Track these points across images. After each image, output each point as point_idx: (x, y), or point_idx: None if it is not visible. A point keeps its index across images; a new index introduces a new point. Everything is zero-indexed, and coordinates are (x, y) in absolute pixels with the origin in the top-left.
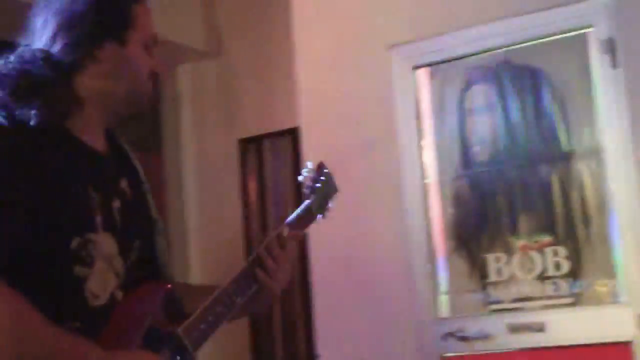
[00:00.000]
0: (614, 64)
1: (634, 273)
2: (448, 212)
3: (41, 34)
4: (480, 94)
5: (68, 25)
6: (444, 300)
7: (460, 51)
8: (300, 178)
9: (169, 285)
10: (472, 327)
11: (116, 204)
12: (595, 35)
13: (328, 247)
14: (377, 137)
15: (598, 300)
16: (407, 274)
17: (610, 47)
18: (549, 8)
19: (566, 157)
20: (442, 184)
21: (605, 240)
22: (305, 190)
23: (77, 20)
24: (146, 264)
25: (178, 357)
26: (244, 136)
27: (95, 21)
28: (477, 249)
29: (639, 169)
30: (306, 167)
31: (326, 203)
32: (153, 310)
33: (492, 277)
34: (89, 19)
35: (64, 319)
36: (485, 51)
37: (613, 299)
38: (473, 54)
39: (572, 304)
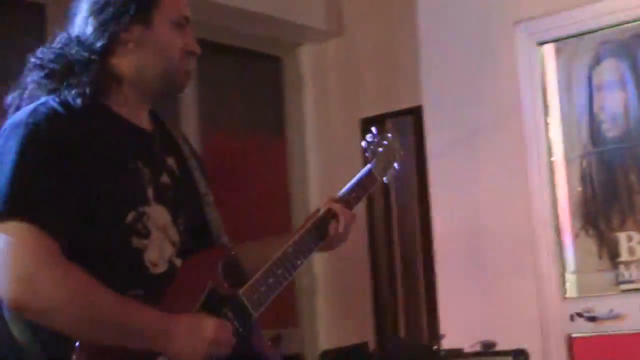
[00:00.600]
0: None
1: None
2: (576, 190)
3: (77, 21)
4: (611, 69)
5: (97, 11)
6: (571, 280)
7: (587, 26)
8: (363, 143)
9: (228, 251)
10: (601, 307)
11: (164, 178)
12: None
13: (452, 226)
14: (503, 115)
15: None
16: (532, 253)
17: None
18: None
19: None
20: (569, 161)
21: None
22: (367, 154)
23: (104, 5)
24: (201, 234)
25: (239, 319)
26: (366, 116)
27: (119, 5)
28: (607, 228)
29: None
30: (370, 133)
31: (389, 167)
32: (213, 274)
33: (624, 256)
34: (114, 3)
35: (127, 288)
36: (615, 25)
37: None
38: (602, 29)
39: None
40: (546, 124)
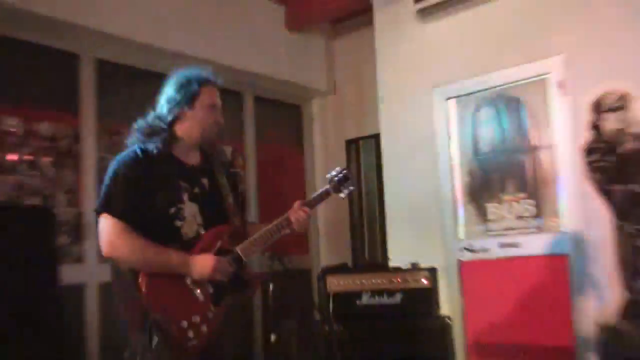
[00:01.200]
0: (563, 94)
1: (571, 217)
2: (465, 180)
3: (159, 102)
4: (485, 114)
5: (167, 100)
6: (461, 229)
7: (473, 89)
8: (327, 175)
9: (232, 226)
10: (476, 244)
11: (196, 190)
12: (553, 77)
13: (397, 195)
14: (426, 138)
15: (550, 230)
16: (441, 213)
17: (561, 85)
18: (526, 63)
19: (534, 148)
20: (461, 164)
21: (555, 197)
22: (329, 181)
23: (170, 97)
24: (221, 218)
25: (235, 262)
26: (349, 138)
27: (179, 99)
28: (481, 201)
29: (576, 157)
30: (335, 170)
31: (344, 189)
32: (222, 237)
33: (490, 217)
34: (176, 97)
35: (171, 245)
36: (488, 89)
37: (558, 229)
38: (480, 91)
39: (536, 232)
40: (449, 144)
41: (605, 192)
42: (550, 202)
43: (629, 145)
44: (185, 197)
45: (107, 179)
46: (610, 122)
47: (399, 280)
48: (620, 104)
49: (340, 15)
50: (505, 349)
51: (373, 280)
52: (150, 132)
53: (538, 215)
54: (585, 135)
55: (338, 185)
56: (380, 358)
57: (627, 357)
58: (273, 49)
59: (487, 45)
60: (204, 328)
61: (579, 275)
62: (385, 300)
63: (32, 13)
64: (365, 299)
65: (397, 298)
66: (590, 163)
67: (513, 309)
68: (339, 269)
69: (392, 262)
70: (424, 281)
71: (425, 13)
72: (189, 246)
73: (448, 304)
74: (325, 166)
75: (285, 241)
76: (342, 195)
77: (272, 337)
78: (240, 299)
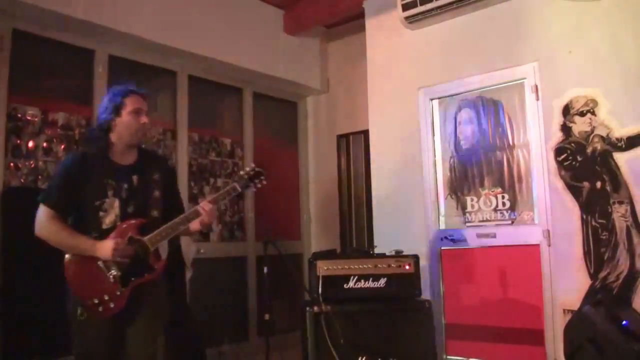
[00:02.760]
0: (537, 98)
1: (543, 210)
2: (446, 174)
3: (97, 114)
4: (466, 114)
5: (100, 112)
6: (442, 220)
7: (455, 91)
8: (241, 172)
9: (143, 220)
10: (456, 234)
11: (125, 186)
12: (528, 83)
13: (383, 187)
14: (411, 135)
15: (524, 222)
16: (423, 205)
17: (535, 89)
18: (504, 68)
19: (510, 147)
20: (443, 160)
21: (529, 192)
22: (235, 177)
23: (102, 110)
24: (140, 211)
25: (142, 250)
26: (339, 133)
27: (107, 110)
28: (461, 194)
29: (547, 156)
30: (247, 168)
31: (250, 187)
32: (133, 229)
33: (468, 209)
34: (107, 109)
35: (90, 234)
36: (468, 92)
37: (532, 222)
38: (461, 93)
39: (511, 224)
40: (433, 141)
41: (573, 188)
42: (524, 197)
43: (595, 146)
44: (110, 192)
45: (53, 176)
46: (579, 125)
47: (383, 265)
48: (588, 109)
49: (334, 20)
50: (480, 330)
51: (359, 266)
52: (90, 140)
53: (512, 208)
54: (557, 136)
55: (248, 181)
56: (364, 338)
57: (588, 338)
58: (272, 50)
59: (469, 51)
60: (112, 304)
61: (549, 264)
62: (370, 284)
63: (52, 12)
64: (352, 283)
65: (382, 282)
66: (560, 162)
67: (488, 294)
68: (328, 255)
69: (377, 249)
70: (407, 267)
71: (412, 20)
72: (107, 234)
73: (429, 289)
74: (317, 159)
75: (280, 227)
76: (251, 190)
77: (266, 316)
78: (145, 280)
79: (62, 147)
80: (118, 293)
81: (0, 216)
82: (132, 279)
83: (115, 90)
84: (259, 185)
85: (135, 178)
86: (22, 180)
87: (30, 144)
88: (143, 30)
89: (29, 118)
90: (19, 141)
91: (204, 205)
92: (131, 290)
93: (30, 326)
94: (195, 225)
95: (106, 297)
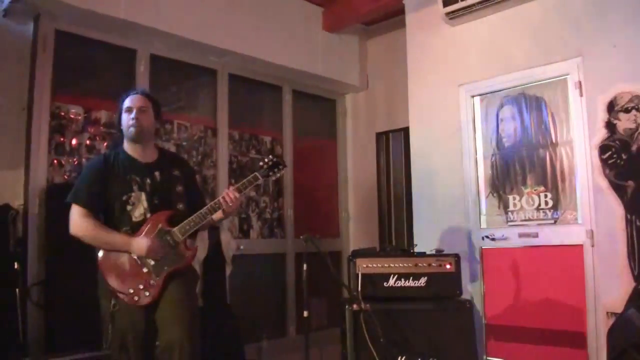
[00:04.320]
0: (581, 94)
1: (586, 209)
2: (488, 172)
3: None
4: (508, 110)
5: (116, 118)
6: (483, 219)
7: (497, 88)
8: (260, 162)
9: (172, 211)
10: (498, 233)
11: (148, 181)
12: (571, 78)
13: (423, 187)
14: (452, 134)
15: (567, 222)
16: (464, 204)
17: (578, 85)
18: (546, 64)
19: (553, 144)
20: (485, 158)
21: (573, 191)
22: (259, 168)
23: (118, 115)
24: (168, 204)
25: (173, 240)
26: (378, 131)
27: (118, 113)
28: (503, 193)
29: (591, 154)
30: (268, 157)
31: (272, 175)
32: (162, 221)
33: (510, 207)
34: (118, 113)
35: (122, 228)
36: (510, 88)
37: (575, 221)
38: (503, 89)
39: (553, 223)
40: (474, 138)
41: (618, 187)
42: (567, 196)
43: None
44: (135, 187)
45: (78, 178)
46: (624, 122)
47: (424, 264)
48: (633, 105)
49: (373, 17)
50: (521, 332)
51: (400, 264)
52: (116, 142)
53: (555, 207)
54: (601, 133)
55: (267, 171)
56: (404, 337)
57: (632, 343)
58: (311, 47)
59: (510, 47)
60: (147, 293)
61: (592, 265)
62: (410, 283)
63: (94, 13)
64: (392, 281)
65: (422, 281)
66: (604, 160)
67: (530, 295)
68: (368, 253)
69: (417, 248)
70: (448, 266)
71: (453, 16)
72: (137, 226)
73: (469, 289)
74: (356, 157)
75: (318, 225)
76: (272, 178)
77: (305, 313)
78: (177, 269)
79: (105, 144)
80: (152, 282)
81: (44, 212)
82: (165, 268)
83: (122, 96)
84: (278, 175)
85: (157, 174)
86: (66, 177)
87: (74, 141)
88: (184, 29)
89: (72, 116)
90: (62, 139)
91: (227, 195)
92: (164, 279)
93: (72, 318)
94: (218, 214)
95: (141, 287)
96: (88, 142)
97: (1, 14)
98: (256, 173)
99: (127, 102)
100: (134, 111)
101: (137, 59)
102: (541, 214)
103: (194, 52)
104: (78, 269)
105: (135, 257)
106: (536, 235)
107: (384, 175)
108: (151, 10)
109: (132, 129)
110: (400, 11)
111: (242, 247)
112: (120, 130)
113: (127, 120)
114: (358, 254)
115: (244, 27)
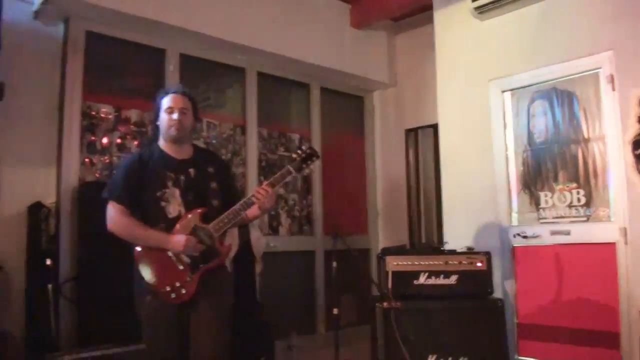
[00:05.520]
0: (613, 88)
1: (619, 207)
2: (519, 169)
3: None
4: (539, 106)
5: (153, 116)
6: (514, 216)
7: (527, 82)
8: (294, 154)
9: (207, 208)
10: (529, 231)
11: (182, 177)
12: (603, 72)
13: (453, 183)
14: (482, 129)
15: (599, 219)
16: (496, 201)
17: (610, 79)
18: (577, 58)
19: (586, 140)
20: (516, 154)
21: (605, 187)
22: (291, 161)
23: (154, 114)
24: (203, 201)
25: (207, 237)
26: (408, 127)
27: (155, 112)
28: (534, 189)
29: (624, 149)
30: (301, 149)
31: (305, 168)
32: (197, 218)
33: (542, 205)
34: (155, 112)
35: (157, 224)
36: (541, 83)
37: (607, 219)
38: (534, 84)
39: (586, 221)
40: (505, 134)
41: None
42: (599, 192)
43: None
44: (170, 183)
45: (114, 175)
46: None
47: (455, 262)
48: None
49: (401, 13)
50: (553, 331)
51: (430, 262)
52: (152, 139)
53: (588, 204)
54: (634, 128)
55: (301, 163)
56: (434, 335)
57: None
58: (339, 44)
59: (541, 41)
60: (183, 291)
61: (626, 263)
62: (441, 281)
63: (123, 13)
64: (422, 279)
65: (453, 279)
66: (637, 155)
67: (562, 294)
68: (398, 250)
69: (448, 246)
70: (479, 264)
71: (482, 10)
72: (173, 222)
73: (501, 287)
74: (385, 154)
75: (347, 222)
76: (305, 172)
77: (335, 311)
78: (213, 266)
79: (135, 143)
80: (188, 279)
81: (76, 210)
82: (201, 265)
83: (159, 94)
84: (312, 166)
85: (191, 171)
86: (97, 175)
87: (105, 140)
88: (212, 28)
89: (103, 115)
90: (93, 138)
91: (260, 190)
92: (200, 276)
93: (105, 314)
94: (254, 211)
95: (177, 284)
96: (119, 140)
97: (32, 16)
98: (288, 166)
99: (168, 102)
100: (176, 112)
101: (167, 58)
102: (573, 212)
103: (222, 51)
104: (109, 266)
105: (171, 254)
106: (568, 233)
107: (413, 171)
108: (179, 10)
109: (173, 130)
110: (429, 6)
111: (272, 244)
112: (156, 127)
113: (167, 120)
114: (388, 251)
115: (272, 25)
